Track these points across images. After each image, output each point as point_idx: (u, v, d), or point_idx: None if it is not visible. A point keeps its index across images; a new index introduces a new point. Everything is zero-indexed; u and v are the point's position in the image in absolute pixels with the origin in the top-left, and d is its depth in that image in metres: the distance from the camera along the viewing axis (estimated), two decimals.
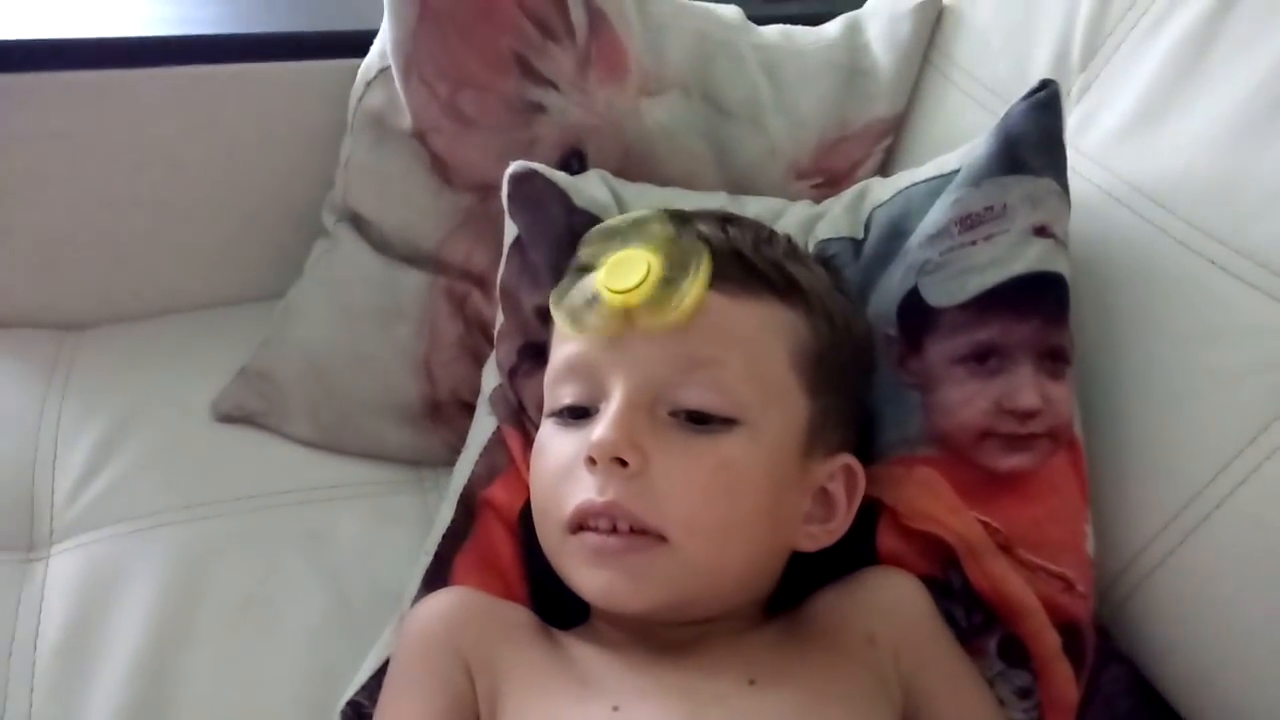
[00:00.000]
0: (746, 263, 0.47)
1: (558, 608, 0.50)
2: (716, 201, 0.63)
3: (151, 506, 0.61)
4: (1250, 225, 0.49)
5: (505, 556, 0.53)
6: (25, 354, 0.71)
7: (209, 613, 0.55)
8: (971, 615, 0.50)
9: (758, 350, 0.46)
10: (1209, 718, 0.50)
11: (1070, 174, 0.54)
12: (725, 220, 0.51)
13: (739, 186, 0.67)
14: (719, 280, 0.46)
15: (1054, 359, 0.51)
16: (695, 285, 0.45)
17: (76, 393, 0.68)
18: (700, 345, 0.46)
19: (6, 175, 0.71)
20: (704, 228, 0.48)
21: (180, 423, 0.66)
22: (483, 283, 0.66)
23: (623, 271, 0.46)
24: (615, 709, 0.43)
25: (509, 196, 0.59)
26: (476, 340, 0.66)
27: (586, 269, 0.48)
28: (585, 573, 0.45)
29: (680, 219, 0.49)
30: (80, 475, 0.63)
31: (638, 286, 0.45)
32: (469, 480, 0.56)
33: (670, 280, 0.45)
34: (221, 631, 0.54)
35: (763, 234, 0.51)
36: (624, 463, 0.44)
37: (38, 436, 0.65)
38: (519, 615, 0.50)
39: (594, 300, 0.46)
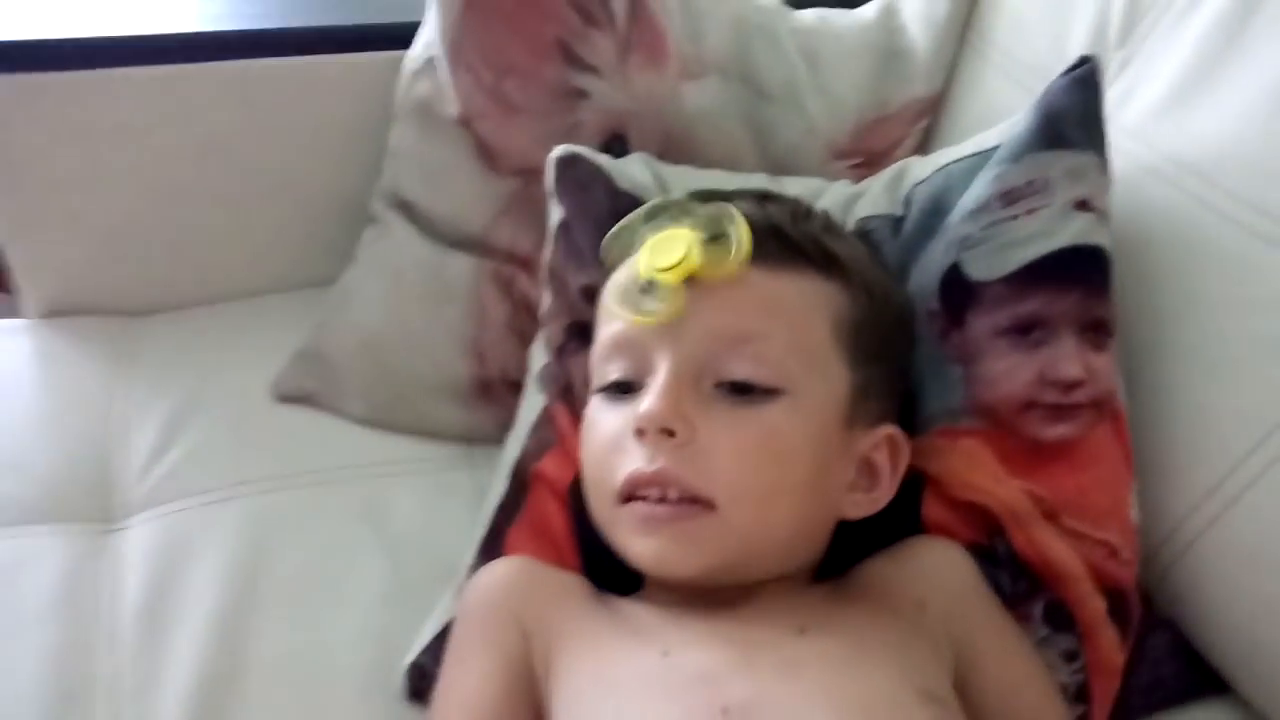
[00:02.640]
0: (785, 237, 0.48)
1: (610, 577, 0.51)
2: (757, 183, 0.63)
3: (218, 481, 0.63)
4: None
5: (557, 528, 0.55)
6: (93, 340, 0.74)
7: (276, 580, 0.58)
8: (1017, 582, 0.50)
9: (799, 322, 0.48)
10: (1253, 682, 0.50)
11: (1111, 149, 0.54)
12: (762, 197, 0.52)
13: (779, 168, 0.68)
14: (758, 255, 0.47)
15: (1096, 330, 0.52)
16: (742, 230, 0.46)
17: (143, 376, 0.71)
18: (743, 319, 0.47)
19: (72, 169, 0.73)
20: (740, 204, 0.49)
21: (242, 403, 0.69)
22: (528, 265, 0.67)
23: (664, 250, 0.47)
24: (665, 654, 0.44)
25: (555, 180, 0.60)
26: (523, 321, 0.68)
27: (624, 255, 0.49)
28: (636, 541, 0.47)
29: (711, 197, 0.50)
30: (150, 453, 0.65)
31: (682, 261, 0.46)
32: (520, 455, 0.58)
33: (717, 238, 0.46)
34: (288, 597, 0.57)
35: (800, 210, 0.52)
36: (671, 433, 0.45)
37: (109, 417, 0.68)
38: (572, 581, 0.51)
39: (648, 286, 0.47)
